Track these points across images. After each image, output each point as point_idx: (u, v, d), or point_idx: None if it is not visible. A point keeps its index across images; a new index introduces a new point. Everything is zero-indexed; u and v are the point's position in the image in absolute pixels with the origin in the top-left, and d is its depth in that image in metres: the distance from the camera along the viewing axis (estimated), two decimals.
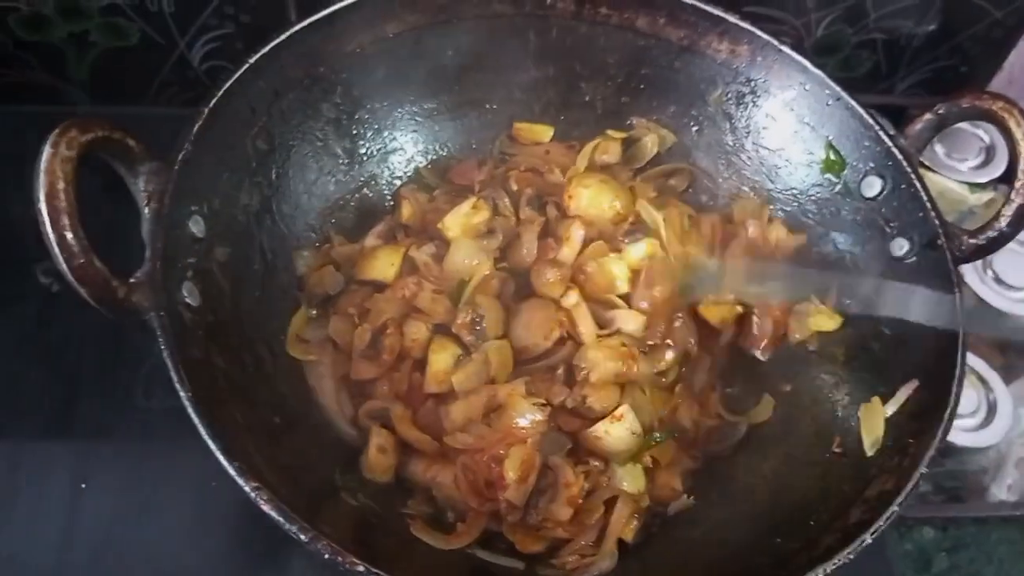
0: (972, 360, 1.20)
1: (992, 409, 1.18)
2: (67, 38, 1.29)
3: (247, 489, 0.73)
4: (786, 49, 1.08)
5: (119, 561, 0.98)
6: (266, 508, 0.73)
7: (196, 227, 0.89)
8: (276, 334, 0.99)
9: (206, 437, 0.74)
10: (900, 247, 1.01)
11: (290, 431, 0.91)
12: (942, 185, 1.33)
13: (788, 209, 1.14)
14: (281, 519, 0.73)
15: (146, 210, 0.82)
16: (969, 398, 1.18)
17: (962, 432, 1.16)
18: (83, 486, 1.02)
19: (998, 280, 1.30)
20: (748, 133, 1.15)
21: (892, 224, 1.02)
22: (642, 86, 1.18)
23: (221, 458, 0.74)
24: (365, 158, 1.14)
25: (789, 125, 1.11)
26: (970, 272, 1.29)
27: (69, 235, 0.72)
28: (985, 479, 1.17)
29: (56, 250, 0.72)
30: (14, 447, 1.04)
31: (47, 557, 0.97)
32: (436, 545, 0.89)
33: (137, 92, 1.39)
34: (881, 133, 1.02)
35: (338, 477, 0.92)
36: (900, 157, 1.00)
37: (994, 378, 1.21)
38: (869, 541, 0.79)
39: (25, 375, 1.09)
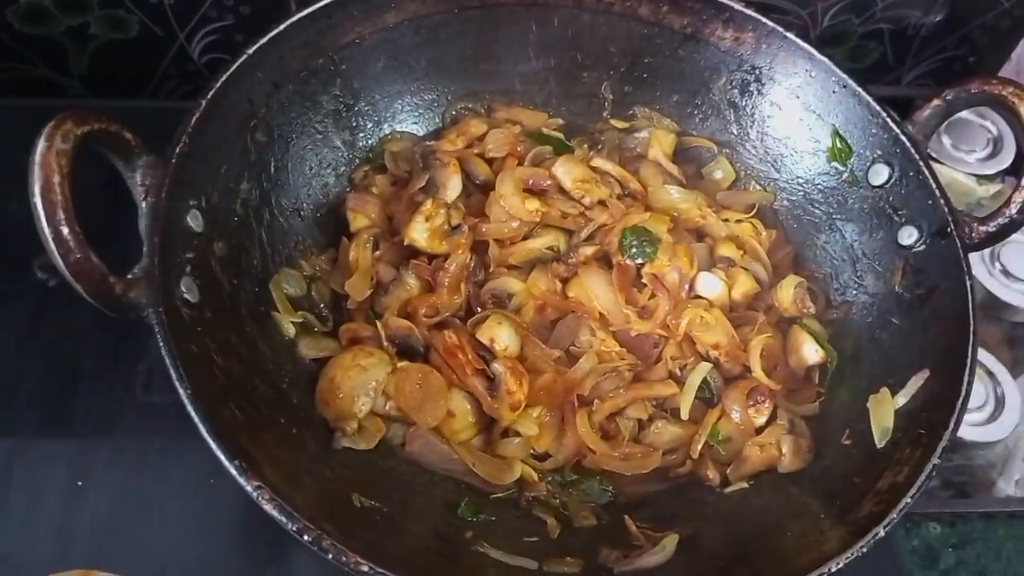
0: (979, 354, 1.17)
1: (1000, 403, 1.17)
2: (66, 31, 1.28)
3: (248, 488, 0.72)
4: (791, 36, 1.07)
5: (117, 560, 0.96)
6: (268, 508, 0.72)
7: (194, 221, 0.87)
8: (276, 331, 0.97)
9: (206, 435, 0.73)
10: (909, 235, 1.00)
11: (292, 429, 0.89)
12: (949, 177, 1.32)
13: (794, 199, 1.13)
14: (283, 518, 0.72)
15: (143, 205, 0.81)
16: (977, 392, 1.17)
17: (970, 427, 1.15)
18: (80, 483, 1.00)
19: (1006, 273, 1.29)
20: (753, 122, 1.15)
21: (900, 212, 1.02)
22: (645, 75, 1.17)
23: (221, 457, 0.73)
24: (365, 150, 1.13)
25: (795, 113, 1.11)
26: (978, 265, 1.27)
27: (65, 230, 0.71)
28: (993, 474, 1.16)
29: (52, 245, 0.71)
30: (11, 444, 1.02)
31: (44, 556, 0.96)
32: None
33: (137, 85, 1.38)
34: (888, 120, 1.02)
35: (344, 476, 0.90)
36: (908, 144, 1.00)
37: (1002, 372, 1.19)
38: (882, 534, 0.78)
39: (22, 371, 1.08)
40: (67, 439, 1.04)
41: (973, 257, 0.95)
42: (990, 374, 1.19)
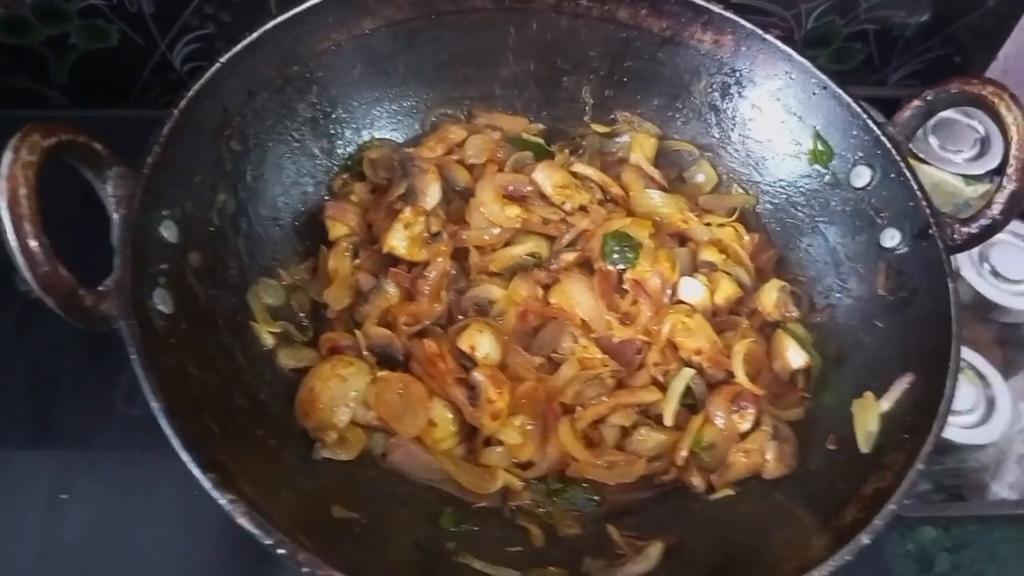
0: (970, 356, 1.19)
1: (991, 405, 1.16)
2: (46, 41, 1.28)
3: (222, 501, 0.71)
4: (770, 38, 1.07)
5: (101, 574, 0.96)
6: (242, 521, 0.71)
7: (168, 232, 0.86)
8: (255, 341, 0.96)
9: (179, 449, 0.72)
10: (891, 237, 1.00)
11: (271, 441, 0.88)
12: (937, 177, 1.31)
13: (776, 202, 1.12)
14: (258, 531, 0.71)
15: (115, 216, 0.80)
16: (968, 394, 1.16)
17: (961, 429, 1.13)
18: (63, 497, 1.00)
19: (995, 273, 1.28)
20: (734, 125, 1.14)
21: (883, 214, 1.01)
22: (625, 79, 1.16)
23: (195, 470, 0.72)
24: (343, 158, 1.12)
25: (776, 116, 1.10)
26: (967, 266, 1.27)
27: (33, 243, 0.71)
28: (986, 477, 1.15)
29: (20, 258, 0.71)
30: None
31: (25, 572, 0.95)
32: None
33: (119, 95, 1.38)
34: (869, 122, 1.01)
35: (324, 488, 0.89)
36: (889, 145, 0.99)
37: (992, 374, 1.18)
38: (866, 541, 0.77)
39: (2, 383, 1.07)
40: (49, 451, 1.03)
41: (962, 258, 0.94)
42: (981, 376, 1.18)
